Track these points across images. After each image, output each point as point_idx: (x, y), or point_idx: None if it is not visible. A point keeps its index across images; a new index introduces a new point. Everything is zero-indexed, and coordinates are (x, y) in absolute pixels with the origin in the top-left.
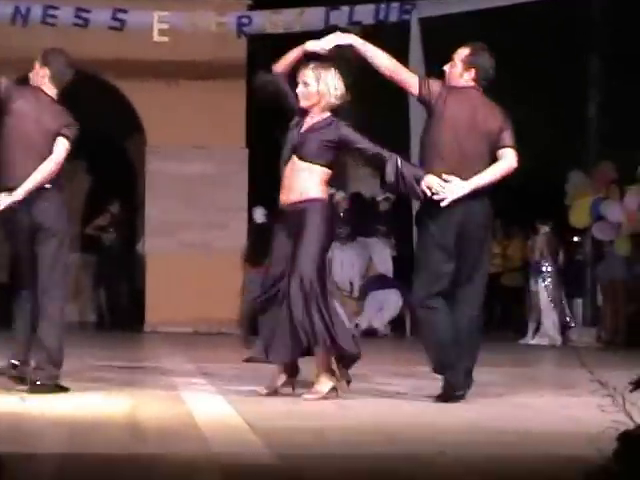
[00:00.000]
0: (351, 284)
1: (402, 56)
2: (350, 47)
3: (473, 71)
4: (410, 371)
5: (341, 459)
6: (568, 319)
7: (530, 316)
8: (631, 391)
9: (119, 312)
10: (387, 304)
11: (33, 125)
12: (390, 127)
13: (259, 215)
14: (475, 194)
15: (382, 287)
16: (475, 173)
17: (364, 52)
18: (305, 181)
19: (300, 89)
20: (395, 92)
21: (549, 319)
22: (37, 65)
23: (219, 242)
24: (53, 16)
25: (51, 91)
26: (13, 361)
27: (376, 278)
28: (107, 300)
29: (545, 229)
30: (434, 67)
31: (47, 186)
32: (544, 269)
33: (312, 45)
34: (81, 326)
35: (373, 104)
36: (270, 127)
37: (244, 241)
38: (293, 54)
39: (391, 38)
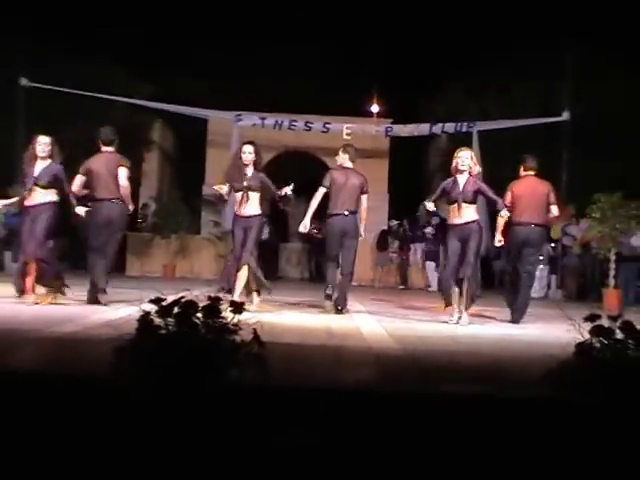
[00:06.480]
0: None
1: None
2: None
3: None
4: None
5: (441, 352)
6: None
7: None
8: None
9: (321, 273)
10: None
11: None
12: None
13: None
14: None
15: None
16: None
17: None
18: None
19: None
20: None
21: None
22: (340, 152)
23: None
24: (294, 125)
25: (348, 163)
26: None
27: None
28: (315, 267)
29: None
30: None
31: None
32: None
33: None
34: (301, 280)
35: None
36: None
37: None
38: None
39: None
